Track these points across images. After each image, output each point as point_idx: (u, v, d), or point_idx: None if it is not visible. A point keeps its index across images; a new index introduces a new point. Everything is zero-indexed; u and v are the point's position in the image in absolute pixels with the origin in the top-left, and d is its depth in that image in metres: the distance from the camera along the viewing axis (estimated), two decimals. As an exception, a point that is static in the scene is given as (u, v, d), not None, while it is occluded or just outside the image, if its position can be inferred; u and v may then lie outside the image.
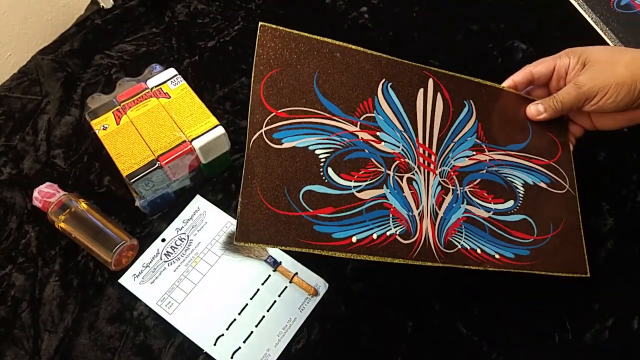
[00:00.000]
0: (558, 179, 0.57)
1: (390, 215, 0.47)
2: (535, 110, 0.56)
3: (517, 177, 0.54)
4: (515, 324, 0.56)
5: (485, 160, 0.53)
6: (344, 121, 0.48)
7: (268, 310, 0.57)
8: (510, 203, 0.53)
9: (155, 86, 0.64)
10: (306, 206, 0.44)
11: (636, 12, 0.78)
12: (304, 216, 0.43)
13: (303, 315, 0.57)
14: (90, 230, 0.59)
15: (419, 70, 0.53)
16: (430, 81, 0.53)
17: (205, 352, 0.55)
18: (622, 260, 0.60)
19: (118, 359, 0.55)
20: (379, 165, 0.48)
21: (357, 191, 0.46)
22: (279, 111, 0.46)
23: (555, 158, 0.57)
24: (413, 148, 0.50)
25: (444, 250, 0.48)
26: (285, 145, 0.45)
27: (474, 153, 0.53)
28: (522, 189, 0.54)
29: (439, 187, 0.50)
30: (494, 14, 0.80)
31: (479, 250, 0.49)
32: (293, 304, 0.57)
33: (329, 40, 0.49)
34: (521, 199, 0.54)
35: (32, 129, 0.71)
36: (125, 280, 0.59)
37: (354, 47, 0.50)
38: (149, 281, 0.59)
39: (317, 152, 0.46)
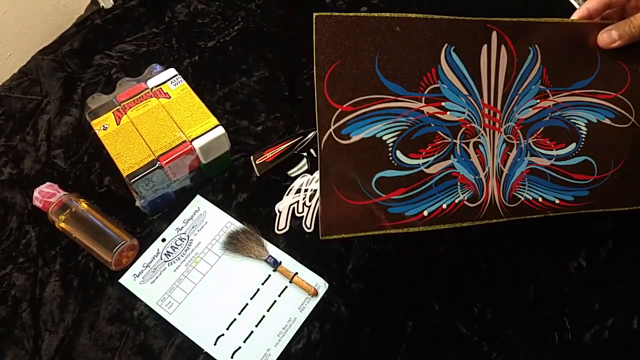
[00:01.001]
0: (624, 112, 0.54)
1: (459, 184, 0.48)
2: (608, 37, 0.51)
3: (580, 117, 0.53)
4: (515, 324, 0.56)
5: (549, 106, 0.52)
6: (408, 100, 0.48)
7: (268, 310, 0.57)
8: (572, 146, 0.52)
9: (156, 86, 0.64)
10: (379, 192, 0.46)
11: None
12: (379, 202, 0.46)
13: (303, 315, 0.57)
14: (91, 230, 0.59)
15: (482, 25, 0.50)
16: (494, 34, 0.51)
17: (206, 352, 0.55)
18: (622, 260, 0.60)
19: (118, 359, 0.55)
20: (445, 137, 0.48)
21: (425, 167, 0.47)
22: (344, 105, 0.46)
23: (623, 89, 0.54)
24: (478, 110, 0.49)
25: (508, 205, 0.50)
26: (354, 138, 0.46)
27: (538, 101, 0.51)
28: (584, 129, 0.53)
29: (504, 145, 0.50)
30: (494, 14, 0.80)
31: (540, 199, 0.51)
32: (293, 303, 0.58)
33: (387, 14, 0.47)
34: (583, 139, 0.53)
35: (32, 129, 0.71)
36: (126, 280, 0.60)
37: (413, 15, 0.48)
38: (149, 281, 0.59)
39: (384, 137, 0.47)
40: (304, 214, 0.63)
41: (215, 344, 0.56)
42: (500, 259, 0.59)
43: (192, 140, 0.59)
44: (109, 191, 0.66)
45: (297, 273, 0.59)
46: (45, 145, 0.70)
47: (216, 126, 0.60)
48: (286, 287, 0.59)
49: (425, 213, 0.47)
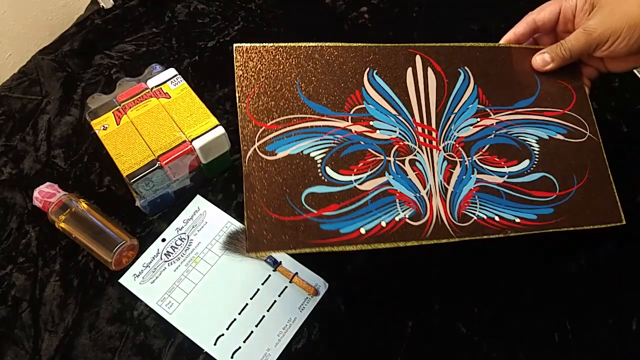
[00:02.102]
0: (576, 127, 0.54)
1: (397, 201, 0.47)
2: (542, 60, 0.52)
3: (529, 134, 0.53)
4: (515, 324, 0.56)
5: (492, 124, 0.52)
6: (334, 119, 0.48)
7: (268, 310, 0.57)
8: (526, 163, 0.52)
9: (156, 86, 0.64)
10: (310, 208, 0.44)
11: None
12: (310, 218, 0.44)
13: (303, 315, 0.57)
14: (91, 230, 0.59)
15: (404, 50, 0.52)
16: (418, 58, 0.52)
17: (206, 352, 0.55)
18: (622, 260, 0.60)
19: (118, 359, 0.55)
20: (377, 154, 0.48)
21: (358, 184, 0.46)
22: (269, 124, 0.47)
23: (570, 105, 0.55)
24: (411, 129, 0.50)
25: (459, 224, 0.48)
26: (280, 155, 0.46)
27: (479, 120, 0.52)
28: (536, 145, 0.52)
29: (445, 162, 0.50)
30: (494, 14, 0.80)
31: (497, 218, 0.49)
32: (293, 303, 0.58)
33: (305, 43, 0.50)
34: (537, 156, 0.52)
35: (32, 129, 0.71)
36: (126, 280, 0.60)
37: (331, 44, 0.50)
38: (149, 281, 0.59)
39: (312, 154, 0.46)
40: (304, 214, 0.63)
41: (215, 344, 0.56)
42: (500, 259, 0.59)
43: (192, 140, 0.59)
44: (109, 191, 0.66)
45: (297, 273, 0.59)
46: (45, 145, 0.70)
47: (216, 126, 0.60)
48: (286, 287, 0.59)
49: (363, 231, 0.45)
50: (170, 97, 0.63)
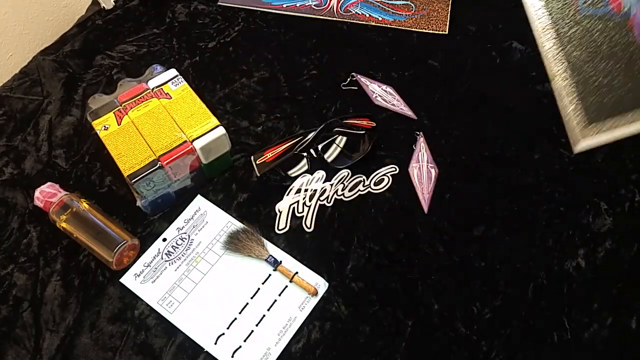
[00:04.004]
0: None
1: None
2: None
3: None
4: (514, 324, 0.56)
5: None
6: None
7: (268, 310, 0.58)
8: None
9: (156, 87, 0.64)
10: None
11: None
12: None
13: (303, 315, 0.57)
14: (92, 230, 0.60)
15: None
16: None
17: (206, 351, 0.55)
18: (621, 260, 0.60)
19: (119, 358, 0.55)
20: None
21: None
22: None
23: None
24: None
25: (343, 13, 0.80)
26: None
27: None
28: None
29: None
30: (492, 15, 0.81)
31: (367, 15, 0.80)
32: (293, 303, 0.58)
33: None
34: None
35: (33, 129, 0.72)
36: (127, 280, 0.60)
37: None
38: (150, 280, 0.60)
39: None
40: (304, 213, 0.63)
41: (215, 343, 0.56)
42: (499, 259, 0.60)
43: (193, 140, 0.60)
44: (110, 191, 0.66)
45: (297, 272, 0.59)
46: (47, 145, 0.70)
47: (217, 126, 0.61)
48: (286, 286, 0.59)
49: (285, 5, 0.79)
50: (171, 98, 0.63)
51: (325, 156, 0.66)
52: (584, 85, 0.55)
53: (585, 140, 0.53)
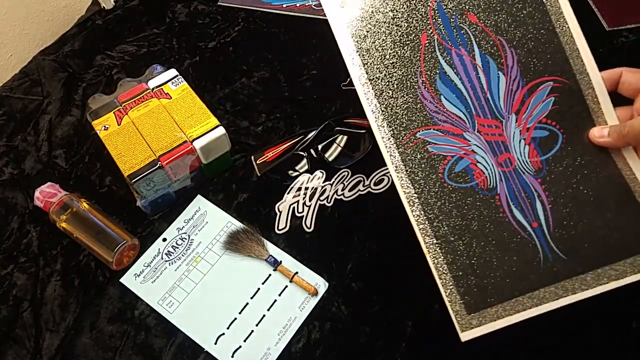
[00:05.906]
0: None
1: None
2: (599, 131, 0.48)
3: None
4: (514, 324, 0.56)
5: None
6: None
7: (268, 310, 0.58)
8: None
9: (156, 87, 0.64)
10: None
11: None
12: None
13: (303, 315, 0.57)
14: (92, 230, 0.60)
15: None
16: None
17: (206, 351, 0.55)
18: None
19: (119, 358, 0.55)
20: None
21: None
22: None
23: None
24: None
25: None
26: None
27: None
28: None
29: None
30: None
31: None
32: (293, 303, 0.58)
33: None
34: None
35: (33, 129, 0.72)
36: (127, 280, 0.60)
37: None
38: (150, 280, 0.60)
39: None
40: (304, 213, 0.63)
41: (215, 343, 0.56)
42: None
43: (193, 140, 0.60)
44: (110, 191, 0.66)
45: (297, 272, 0.59)
46: (47, 145, 0.70)
47: (217, 126, 0.61)
48: (286, 286, 0.59)
49: None
50: (171, 98, 0.63)
51: (326, 156, 0.66)
52: (458, 267, 0.51)
53: (465, 335, 0.50)
